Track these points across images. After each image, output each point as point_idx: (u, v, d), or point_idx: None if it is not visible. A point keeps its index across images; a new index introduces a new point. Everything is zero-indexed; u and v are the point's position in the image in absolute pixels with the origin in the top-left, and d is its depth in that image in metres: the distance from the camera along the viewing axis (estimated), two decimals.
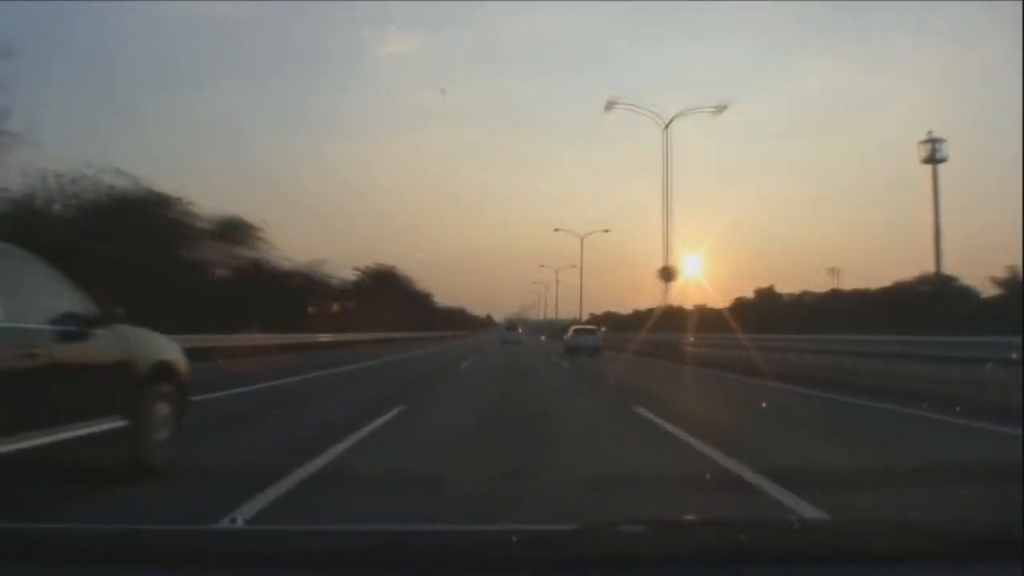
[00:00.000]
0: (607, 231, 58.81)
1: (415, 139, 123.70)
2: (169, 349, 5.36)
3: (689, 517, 2.15)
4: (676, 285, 31.72)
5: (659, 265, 31.26)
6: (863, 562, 1.43)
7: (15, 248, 4.28)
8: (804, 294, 47.30)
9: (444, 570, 1.39)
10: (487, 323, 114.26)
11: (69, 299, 4.44)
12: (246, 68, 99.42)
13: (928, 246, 37.68)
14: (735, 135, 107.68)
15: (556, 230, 58.51)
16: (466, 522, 3.62)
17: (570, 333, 31.88)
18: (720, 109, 32.46)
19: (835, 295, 43.36)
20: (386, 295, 45.32)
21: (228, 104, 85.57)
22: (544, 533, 1.53)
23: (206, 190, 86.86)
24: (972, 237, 62.46)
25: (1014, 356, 10.31)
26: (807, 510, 4.03)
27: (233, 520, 1.63)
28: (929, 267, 37.85)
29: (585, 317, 57.12)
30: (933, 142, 39.24)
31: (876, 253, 73.11)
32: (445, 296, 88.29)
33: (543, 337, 57.18)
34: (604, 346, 30.12)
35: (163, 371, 5.11)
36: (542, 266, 78.55)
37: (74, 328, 4.31)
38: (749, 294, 48.97)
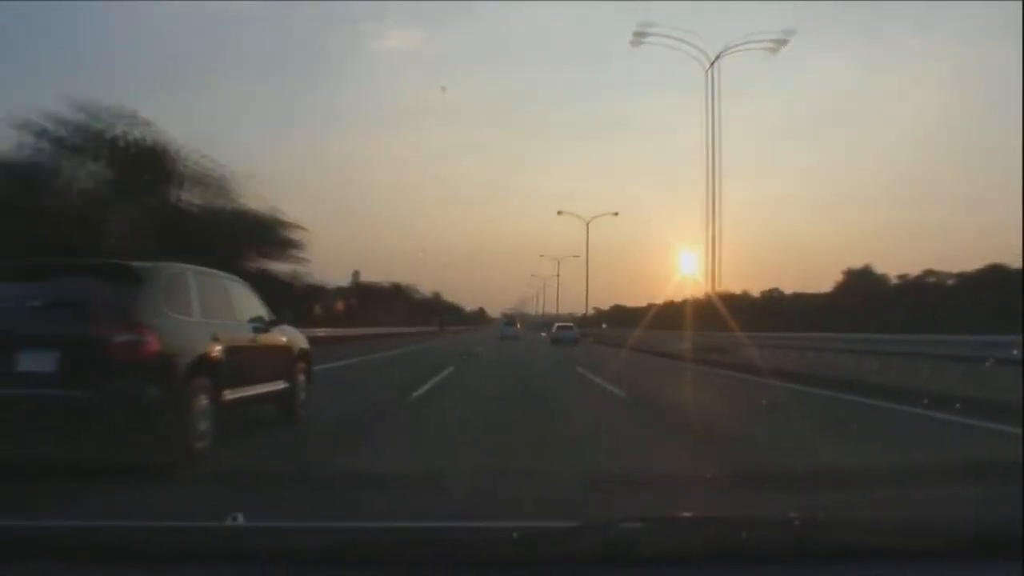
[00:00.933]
0: (616, 214, 52.85)
1: (415, 138, 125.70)
2: (303, 340, 7.99)
3: (689, 514, 2.12)
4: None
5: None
6: (864, 559, 1.45)
7: (239, 278, 7.08)
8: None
9: (444, 567, 1.43)
10: (481, 318, 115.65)
11: (258, 307, 7.14)
12: (245, 65, 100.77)
13: (929, 245, 35.54)
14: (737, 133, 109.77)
15: (559, 213, 54.09)
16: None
17: (554, 328, 42.33)
18: (779, 44, 24.95)
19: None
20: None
21: (226, 101, 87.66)
22: (544, 530, 1.54)
23: None
24: (976, 232, 62.58)
25: (1015, 352, 10.35)
26: None
27: (234, 517, 1.64)
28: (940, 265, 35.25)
29: (590, 311, 59.46)
30: None
31: (877, 253, 73.89)
32: (445, 292, 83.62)
33: (544, 334, 49.64)
34: (580, 338, 40.64)
35: (303, 354, 7.77)
36: (542, 256, 75.47)
37: (262, 326, 6.96)
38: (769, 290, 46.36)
